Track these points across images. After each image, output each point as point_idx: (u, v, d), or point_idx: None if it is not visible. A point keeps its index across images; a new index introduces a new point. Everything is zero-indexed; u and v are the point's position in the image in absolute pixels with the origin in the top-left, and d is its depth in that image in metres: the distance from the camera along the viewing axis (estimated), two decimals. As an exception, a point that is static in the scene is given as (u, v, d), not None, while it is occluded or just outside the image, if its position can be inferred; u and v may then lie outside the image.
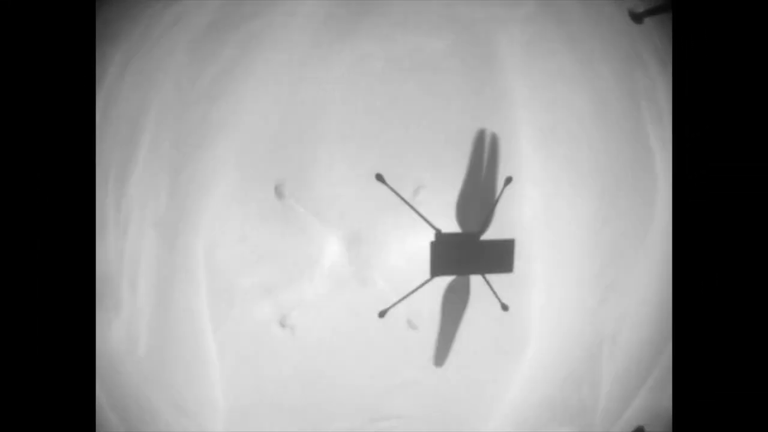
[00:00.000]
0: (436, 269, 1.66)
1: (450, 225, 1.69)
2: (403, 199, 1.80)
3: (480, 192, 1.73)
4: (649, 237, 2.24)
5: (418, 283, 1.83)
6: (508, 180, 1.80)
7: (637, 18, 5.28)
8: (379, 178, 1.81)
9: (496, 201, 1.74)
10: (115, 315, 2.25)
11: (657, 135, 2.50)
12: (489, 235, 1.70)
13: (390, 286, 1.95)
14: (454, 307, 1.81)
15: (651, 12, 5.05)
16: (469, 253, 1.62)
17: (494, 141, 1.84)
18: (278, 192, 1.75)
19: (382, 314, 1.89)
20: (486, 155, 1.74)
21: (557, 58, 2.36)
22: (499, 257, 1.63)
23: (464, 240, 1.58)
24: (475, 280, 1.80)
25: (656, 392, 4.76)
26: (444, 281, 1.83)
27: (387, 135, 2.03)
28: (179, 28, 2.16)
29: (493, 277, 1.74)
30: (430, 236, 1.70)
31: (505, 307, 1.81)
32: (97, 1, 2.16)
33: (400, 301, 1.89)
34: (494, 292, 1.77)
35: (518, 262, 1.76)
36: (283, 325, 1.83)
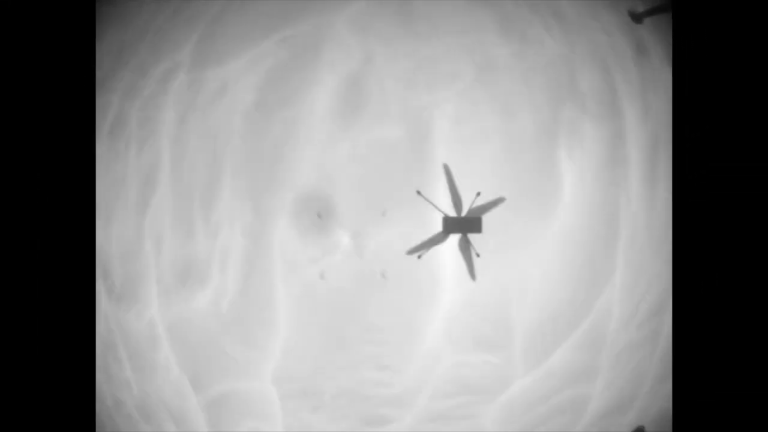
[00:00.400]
0: (447, 230, 3.45)
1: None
2: (432, 204, 3.46)
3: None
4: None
5: (435, 238, 3.45)
6: (478, 194, 3.44)
7: (637, 18, 5.22)
8: (419, 193, 3.49)
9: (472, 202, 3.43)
10: (200, 288, 3.56)
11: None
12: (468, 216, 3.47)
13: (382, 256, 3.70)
14: (465, 249, 3.46)
15: (651, 12, 5.00)
16: (461, 222, 3.45)
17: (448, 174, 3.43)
18: (319, 215, 3.55)
19: (409, 253, 3.48)
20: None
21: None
22: (474, 225, 3.45)
23: (459, 219, 3.46)
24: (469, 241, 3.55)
25: (656, 392, 4.64)
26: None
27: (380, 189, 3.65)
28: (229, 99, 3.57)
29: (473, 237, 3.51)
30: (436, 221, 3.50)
31: (477, 254, 3.48)
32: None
33: (421, 247, 3.46)
34: (472, 245, 3.48)
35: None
36: (322, 277, 3.61)
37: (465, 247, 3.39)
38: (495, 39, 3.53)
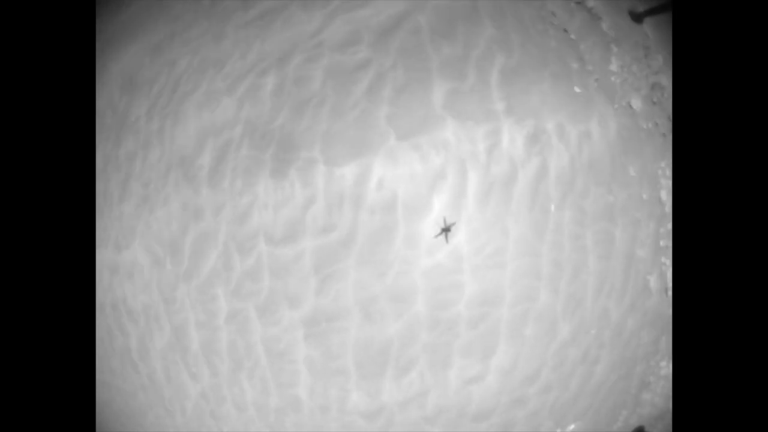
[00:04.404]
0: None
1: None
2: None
3: None
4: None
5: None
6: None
7: (637, 18, 5.26)
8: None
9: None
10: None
11: None
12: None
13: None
14: None
15: (651, 12, 5.03)
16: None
17: None
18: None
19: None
20: None
21: None
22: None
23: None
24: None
25: (656, 392, 4.90)
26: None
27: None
28: None
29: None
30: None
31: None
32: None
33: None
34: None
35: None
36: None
37: None
38: None
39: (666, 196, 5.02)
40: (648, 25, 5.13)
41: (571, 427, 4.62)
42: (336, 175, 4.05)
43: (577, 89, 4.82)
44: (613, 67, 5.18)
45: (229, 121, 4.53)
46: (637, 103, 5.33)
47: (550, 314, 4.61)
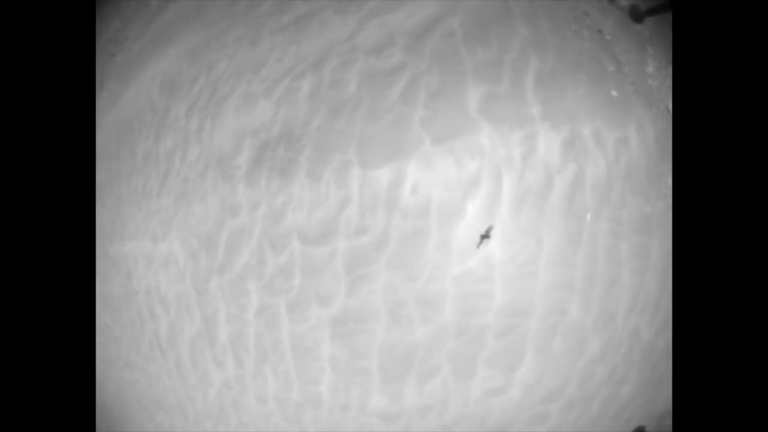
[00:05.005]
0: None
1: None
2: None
3: None
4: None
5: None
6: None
7: (637, 18, 5.10)
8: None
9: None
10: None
11: None
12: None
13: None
14: None
15: (651, 12, 4.88)
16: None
17: None
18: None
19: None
20: None
21: None
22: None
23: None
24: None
25: (656, 392, 4.71)
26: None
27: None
28: None
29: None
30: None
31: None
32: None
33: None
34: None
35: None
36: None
37: None
38: None
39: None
40: (648, 25, 4.82)
41: None
42: (370, 177, 4.10)
43: (614, 93, 4.66)
44: (650, 69, 4.95)
45: (266, 122, 4.69)
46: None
47: (581, 329, 4.46)
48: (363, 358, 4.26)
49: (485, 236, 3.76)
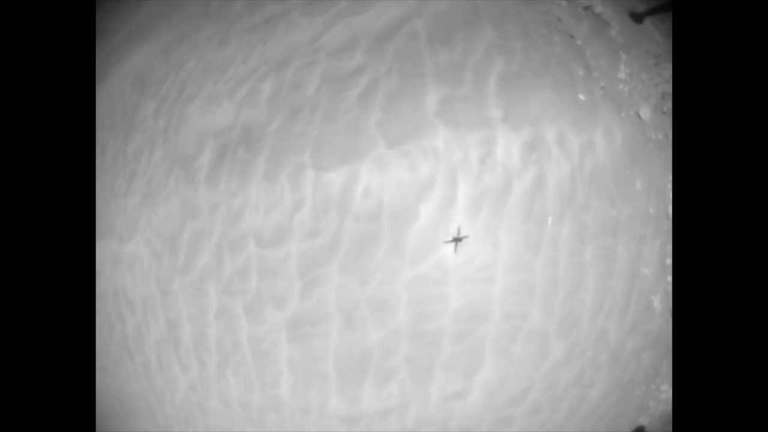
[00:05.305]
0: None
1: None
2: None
3: None
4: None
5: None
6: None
7: (637, 18, 5.05)
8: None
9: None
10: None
11: None
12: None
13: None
14: None
15: (651, 12, 4.83)
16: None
17: None
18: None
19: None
20: None
21: None
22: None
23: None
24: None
25: (655, 417, 4.66)
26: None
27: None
28: None
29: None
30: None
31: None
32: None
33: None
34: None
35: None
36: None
37: None
38: None
39: (675, 211, 4.71)
40: (660, 33, 4.84)
41: None
42: (324, 180, 4.07)
43: (581, 96, 4.61)
44: (622, 74, 4.91)
45: (228, 124, 4.66)
46: (646, 113, 5.02)
47: (542, 333, 4.43)
48: (319, 362, 4.23)
49: (458, 239, 3.71)
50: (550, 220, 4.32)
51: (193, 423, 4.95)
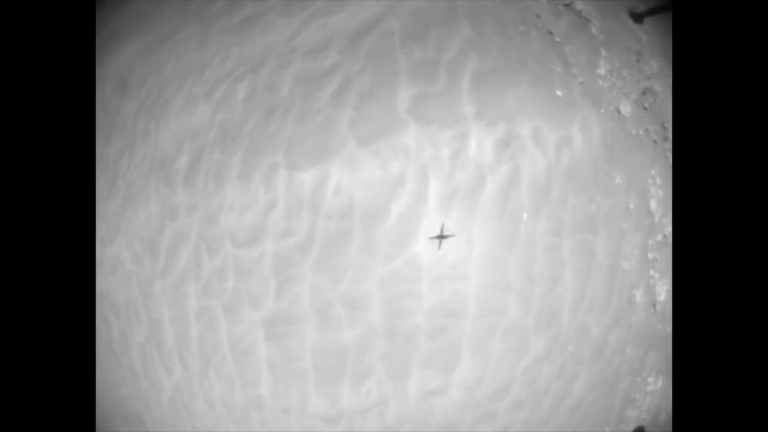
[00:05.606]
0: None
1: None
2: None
3: None
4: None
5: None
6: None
7: (637, 18, 5.03)
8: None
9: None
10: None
11: None
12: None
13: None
14: None
15: (651, 12, 4.81)
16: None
17: None
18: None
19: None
20: None
21: None
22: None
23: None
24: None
25: (642, 408, 4.68)
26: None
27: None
28: None
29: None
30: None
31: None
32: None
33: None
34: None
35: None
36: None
37: None
38: None
39: (656, 205, 4.69)
40: (642, 30, 4.82)
41: None
42: (296, 180, 4.09)
43: (558, 92, 4.60)
44: (601, 70, 4.89)
45: (205, 125, 4.68)
46: (626, 109, 5.01)
47: (521, 329, 4.42)
48: (297, 360, 4.26)
49: (442, 236, 3.71)
50: (525, 215, 4.32)
51: (181, 425, 4.99)
